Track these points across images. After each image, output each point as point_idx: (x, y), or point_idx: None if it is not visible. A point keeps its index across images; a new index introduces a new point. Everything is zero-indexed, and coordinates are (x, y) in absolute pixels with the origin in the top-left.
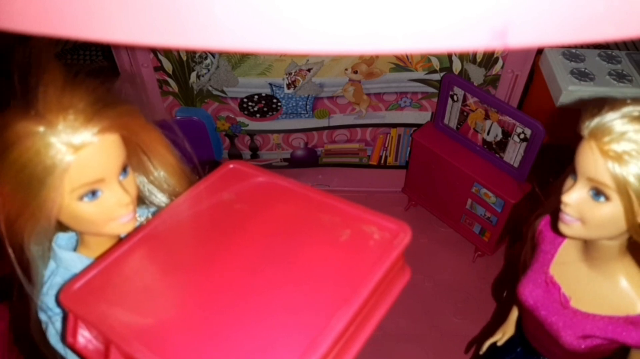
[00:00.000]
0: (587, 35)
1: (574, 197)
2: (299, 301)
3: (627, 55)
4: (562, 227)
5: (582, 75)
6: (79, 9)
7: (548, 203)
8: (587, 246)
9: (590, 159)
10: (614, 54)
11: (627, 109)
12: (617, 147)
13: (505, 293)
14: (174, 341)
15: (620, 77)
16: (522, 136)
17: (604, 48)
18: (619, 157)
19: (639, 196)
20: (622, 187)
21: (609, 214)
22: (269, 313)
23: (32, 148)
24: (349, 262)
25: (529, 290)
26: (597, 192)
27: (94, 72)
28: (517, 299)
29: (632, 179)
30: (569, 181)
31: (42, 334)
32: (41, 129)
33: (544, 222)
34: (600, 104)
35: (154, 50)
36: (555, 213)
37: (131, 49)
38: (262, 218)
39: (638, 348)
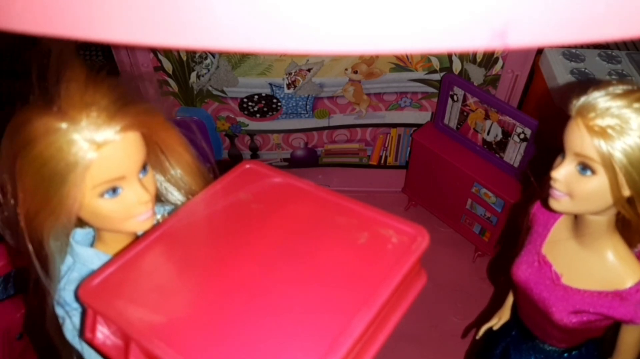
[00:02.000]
0: (587, 35)
1: (563, 172)
2: (317, 302)
3: (627, 55)
4: (552, 203)
5: (582, 75)
6: (80, 9)
7: (541, 190)
8: (577, 224)
9: (577, 135)
10: (614, 54)
11: (611, 88)
12: (602, 122)
13: (502, 278)
14: (192, 339)
15: (620, 77)
16: (522, 136)
17: (604, 48)
18: (603, 132)
19: (623, 168)
20: (607, 161)
21: (596, 187)
22: (287, 313)
23: (55, 144)
24: (367, 265)
25: (522, 270)
26: (584, 167)
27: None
28: (511, 280)
29: (616, 152)
30: (558, 159)
31: (58, 328)
32: (64, 125)
33: (537, 206)
34: (587, 86)
35: (154, 50)
36: (546, 194)
37: (131, 49)
38: (278, 219)
39: (626, 322)
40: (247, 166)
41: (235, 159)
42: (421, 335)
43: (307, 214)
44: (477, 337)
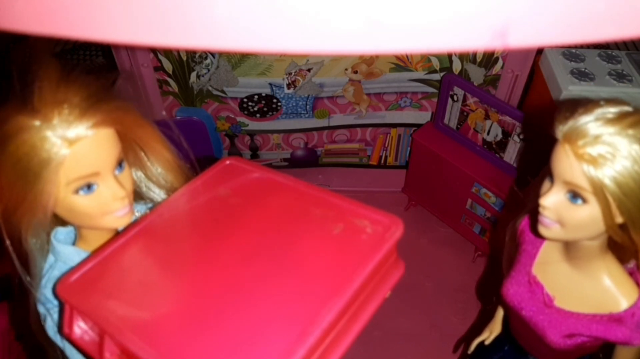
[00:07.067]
0: (587, 35)
1: (551, 200)
2: (292, 293)
3: (627, 55)
4: (542, 230)
5: (582, 75)
6: (80, 9)
7: (528, 202)
8: (568, 246)
9: (566, 163)
10: (614, 54)
11: (600, 111)
12: (592, 150)
13: (494, 298)
14: (166, 333)
15: (620, 77)
16: (522, 136)
17: (604, 48)
18: (594, 161)
19: (615, 197)
20: (599, 190)
21: (587, 217)
22: (262, 304)
23: (28, 142)
24: (342, 255)
25: (513, 290)
26: (574, 195)
27: (93, 70)
28: (502, 299)
29: (608, 182)
30: (546, 184)
31: (41, 326)
32: (37, 123)
33: (524, 222)
34: (573, 106)
35: (154, 50)
36: (534, 214)
37: (131, 49)
38: (256, 212)
39: (624, 344)
40: (227, 162)
41: None
42: (421, 335)
43: (284, 207)
44: (469, 352)
